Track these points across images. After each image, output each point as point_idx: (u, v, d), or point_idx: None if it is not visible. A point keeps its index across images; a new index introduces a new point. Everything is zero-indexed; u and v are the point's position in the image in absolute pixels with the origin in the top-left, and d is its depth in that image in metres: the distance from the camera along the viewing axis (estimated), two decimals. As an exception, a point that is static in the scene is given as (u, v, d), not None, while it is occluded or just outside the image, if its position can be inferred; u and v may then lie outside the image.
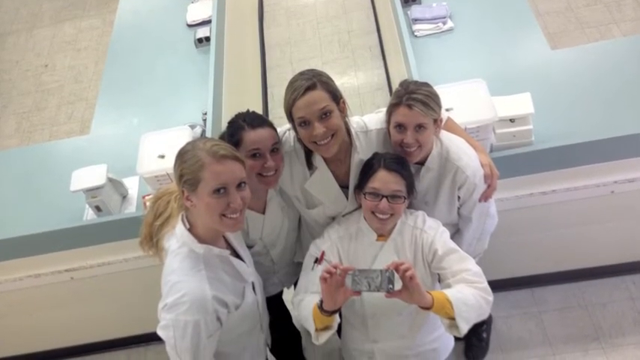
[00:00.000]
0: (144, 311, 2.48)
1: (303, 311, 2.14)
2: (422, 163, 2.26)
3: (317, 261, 2.23)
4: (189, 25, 4.05)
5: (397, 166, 2.11)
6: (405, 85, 2.16)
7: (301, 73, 2.07)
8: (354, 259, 2.21)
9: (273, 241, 2.47)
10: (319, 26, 5.77)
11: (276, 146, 2.14)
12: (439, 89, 2.20)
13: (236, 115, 2.18)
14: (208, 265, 1.90)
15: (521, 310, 3.43)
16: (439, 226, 2.21)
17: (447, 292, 1.98)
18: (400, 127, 2.14)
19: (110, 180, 2.93)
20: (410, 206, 2.27)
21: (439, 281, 2.23)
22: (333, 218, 2.38)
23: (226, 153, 1.81)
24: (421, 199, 2.33)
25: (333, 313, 1.99)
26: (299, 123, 2.06)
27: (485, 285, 2.04)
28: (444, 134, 2.29)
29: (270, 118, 3.15)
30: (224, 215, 1.83)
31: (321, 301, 1.97)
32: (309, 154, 2.25)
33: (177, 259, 1.89)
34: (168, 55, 3.93)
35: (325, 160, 2.24)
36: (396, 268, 1.85)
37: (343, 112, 2.12)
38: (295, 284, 2.69)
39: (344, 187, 2.29)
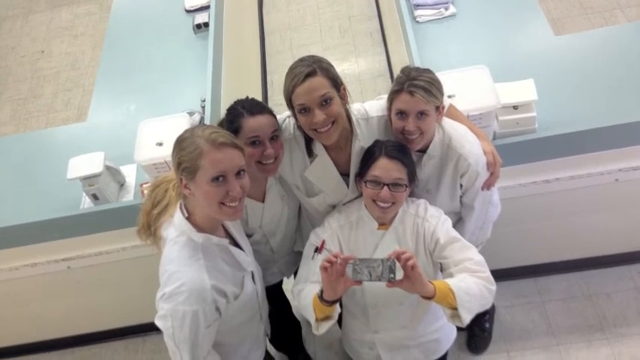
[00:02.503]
0: (142, 301, 2.46)
1: (303, 301, 2.13)
2: (424, 150, 2.24)
3: (317, 250, 2.22)
4: (188, 11, 4.02)
5: (398, 153, 2.09)
6: (407, 71, 2.13)
7: (301, 60, 2.05)
8: (355, 248, 2.20)
9: (272, 229, 2.45)
10: (319, 12, 5.74)
11: (275, 134, 2.12)
12: (441, 76, 2.18)
13: (235, 102, 2.16)
14: (207, 255, 1.88)
15: (524, 300, 3.41)
16: (441, 214, 2.19)
17: (449, 281, 1.96)
18: (401, 114, 2.12)
19: (107, 168, 2.91)
20: (412, 194, 2.25)
21: (441, 270, 2.21)
22: (334, 207, 2.36)
23: (225, 140, 1.79)
24: (423, 187, 2.32)
25: (333, 302, 1.98)
26: (299, 110, 2.04)
27: (488, 274, 2.02)
28: (446, 121, 2.27)
29: (270, 105, 3.14)
30: (223, 203, 1.81)
31: (322, 291, 1.96)
32: (309, 142, 2.23)
33: (175, 248, 1.87)
34: (167, 41, 3.90)
35: (325, 147, 2.22)
36: (398, 257, 1.84)
37: (344, 98, 2.10)
38: (295, 274, 2.69)
39: (344, 174, 2.28)
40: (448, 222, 2.18)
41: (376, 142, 2.15)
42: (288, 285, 2.72)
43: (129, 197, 3.02)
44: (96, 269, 3.06)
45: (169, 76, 3.63)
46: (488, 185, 2.33)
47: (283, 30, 5.66)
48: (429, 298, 1.92)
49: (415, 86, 2.06)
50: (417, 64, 2.98)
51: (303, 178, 2.31)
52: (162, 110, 3.20)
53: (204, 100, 3.21)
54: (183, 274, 1.81)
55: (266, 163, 2.12)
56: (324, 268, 1.86)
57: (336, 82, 2.05)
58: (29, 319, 3.47)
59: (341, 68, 5.04)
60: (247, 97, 2.18)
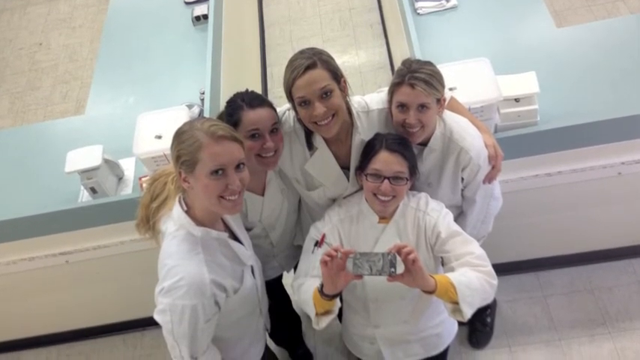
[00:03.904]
0: (140, 295, 2.46)
1: (303, 295, 2.12)
2: (425, 143, 2.23)
3: (317, 244, 2.20)
4: (187, 3, 4.00)
5: (399, 146, 2.07)
6: (408, 63, 2.12)
7: (301, 52, 2.03)
8: (356, 242, 2.19)
9: (272, 223, 2.44)
10: (319, 3, 5.72)
11: (275, 126, 2.10)
12: (442, 68, 2.17)
13: (235, 95, 2.14)
14: (206, 248, 1.87)
15: (526, 295, 3.40)
16: (442, 208, 2.18)
17: (451, 275, 1.95)
18: (402, 106, 2.11)
19: (106, 161, 2.90)
20: (412, 188, 2.24)
21: (442, 265, 2.21)
22: (334, 200, 2.35)
23: (225, 133, 1.77)
24: (424, 180, 2.31)
25: (333, 297, 1.97)
26: (299, 103, 2.03)
27: (490, 268, 2.01)
28: (447, 114, 2.26)
29: (270, 97, 3.12)
30: (222, 197, 1.80)
31: (322, 285, 1.95)
32: (309, 135, 2.22)
33: (174, 242, 1.86)
34: (166, 34, 3.87)
35: (326, 140, 2.20)
36: (398, 251, 1.82)
37: (344, 91, 2.09)
38: (295, 268, 2.68)
39: (345, 168, 2.27)
40: (449, 216, 2.16)
41: (377, 135, 2.14)
42: (288, 279, 2.71)
43: (127, 191, 3.01)
44: (94, 263, 3.05)
45: (168, 68, 3.61)
46: (489, 179, 2.32)
47: (283, 22, 5.64)
48: (430, 292, 1.91)
49: (416, 79, 2.04)
50: (418, 56, 2.96)
51: (303, 172, 2.29)
52: (161, 103, 3.17)
53: (203, 93, 3.19)
54: (182, 268, 1.80)
55: (266, 156, 2.10)
56: (324, 262, 1.85)
57: (337, 75, 2.03)
58: (27, 313, 3.47)
59: (341, 60, 5.03)
60: (247, 90, 2.16)
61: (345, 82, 2.09)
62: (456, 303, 1.91)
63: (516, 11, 3.39)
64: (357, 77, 4.92)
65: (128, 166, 3.09)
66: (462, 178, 2.30)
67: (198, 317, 1.81)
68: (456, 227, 2.12)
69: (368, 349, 2.43)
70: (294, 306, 3.08)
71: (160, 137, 2.76)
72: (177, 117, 2.81)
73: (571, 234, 3.23)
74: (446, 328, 2.39)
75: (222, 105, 2.22)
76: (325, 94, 1.99)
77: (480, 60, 2.72)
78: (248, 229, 2.31)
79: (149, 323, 3.50)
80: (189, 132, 1.78)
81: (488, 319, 3.25)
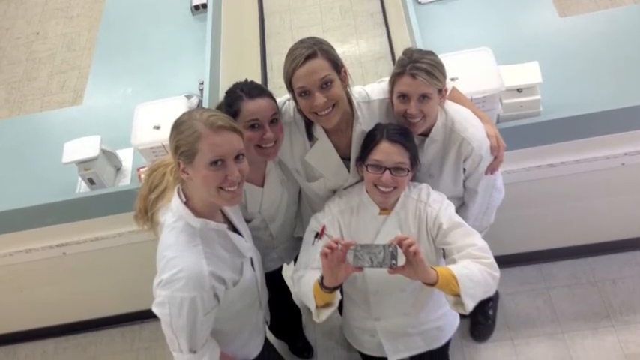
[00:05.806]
0: (139, 287, 2.45)
1: (303, 287, 2.12)
2: (426, 134, 2.22)
3: (318, 236, 2.19)
4: (186, -8, 3.96)
5: (400, 137, 2.06)
6: (409, 53, 2.10)
7: (301, 42, 2.01)
8: (356, 234, 2.18)
9: (272, 215, 2.43)
10: (320, -8, 5.69)
11: (275, 117, 2.09)
12: (444, 58, 2.16)
13: (234, 85, 2.13)
14: (205, 240, 1.86)
15: (528, 287, 3.39)
16: (444, 199, 2.17)
17: (452, 267, 1.94)
18: (403, 97, 2.09)
19: (104, 152, 2.88)
20: (414, 179, 2.23)
21: (444, 257, 2.20)
22: (334, 191, 2.34)
23: (224, 124, 1.76)
24: (425, 171, 2.30)
25: (334, 289, 1.96)
26: (299, 93, 2.01)
27: (492, 260, 2.00)
28: (449, 104, 2.25)
29: (269, 87, 3.10)
30: (221, 188, 1.79)
31: (322, 277, 1.94)
32: (309, 125, 2.20)
33: (172, 234, 1.85)
34: (164, 23, 3.85)
35: (326, 131, 2.19)
36: (400, 243, 1.81)
37: (344, 81, 2.07)
38: (295, 260, 2.67)
39: (345, 159, 2.25)
40: (451, 207, 2.15)
41: (378, 126, 2.13)
42: (288, 271, 2.70)
43: (126, 182, 2.99)
44: (92, 255, 3.04)
45: (167, 58, 3.60)
46: (491, 169, 2.31)
47: (283, 11, 5.62)
48: (432, 284, 1.90)
49: (417, 68, 2.03)
50: (420, 46, 2.95)
51: (303, 162, 2.28)
52: (160, 93, 3.16)
53: (202, 83, 3.18)
54: (180, 259, 1.80)
55: (265, 146, 2.09)
56: (324, 254, 1.84)
57: (337, 65, 2.02)
58: (24, 306, 3.46)
59: (342, 50, 5.01)
60: (246, 80, 2.15)
61: (345, 72, 2.07)
62: (458, 295, 1.90)
63: (519, 0, 3.37)
64: (358, 67, 4.90)
65: (126, 157, 3.07)
66: (464, 169, 2.29)
67: (197, 310, 1.81)
68: (457, 219, 2.11)
69: (369, 341, 2.43)
70: (294, 298, 3.08)
71: (158, 128, 2.74)
72: (176, 107, 2.79)
73: (574, 225, 3.22)
74: (447, 321, 2.39)
75: (221, 95, 2.21)
76: (325, 84, 1.97)
77: (482, 50, 2.70)
78: (247, 221, 2.30)
79: (147, 316, 3.47)
80: (187, 122, 1.76)
81: (491, 312, 3.25)
